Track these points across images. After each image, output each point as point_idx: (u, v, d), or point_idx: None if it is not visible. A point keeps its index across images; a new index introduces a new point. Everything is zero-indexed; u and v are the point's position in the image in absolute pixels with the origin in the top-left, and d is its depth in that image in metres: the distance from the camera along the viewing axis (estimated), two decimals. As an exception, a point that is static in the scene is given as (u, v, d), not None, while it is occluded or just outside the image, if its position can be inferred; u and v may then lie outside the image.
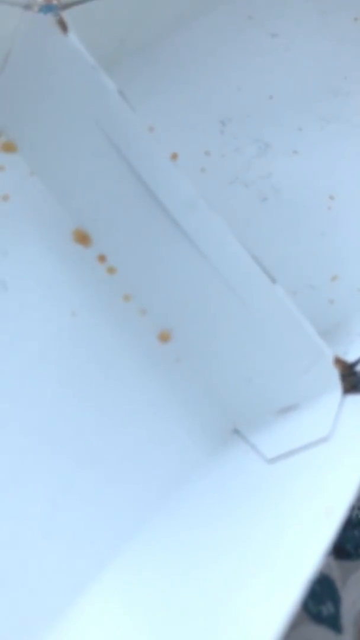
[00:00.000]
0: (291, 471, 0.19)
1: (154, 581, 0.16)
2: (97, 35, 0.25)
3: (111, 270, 0.24)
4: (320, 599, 0.22)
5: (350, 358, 0.23)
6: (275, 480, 0.19)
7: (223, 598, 0.14)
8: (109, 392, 0.22)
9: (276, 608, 0.13)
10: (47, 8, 0.23)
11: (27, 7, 0.23)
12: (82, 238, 0.24)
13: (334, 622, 0.22)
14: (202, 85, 0.29)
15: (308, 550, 0.14)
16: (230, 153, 0.28)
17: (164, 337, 0.23)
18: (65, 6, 0.24)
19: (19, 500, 0.18)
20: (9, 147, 0.25)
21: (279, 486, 0.18)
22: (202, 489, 0.20)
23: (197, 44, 0.29)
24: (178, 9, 0.29)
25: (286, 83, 0.30)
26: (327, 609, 0.22)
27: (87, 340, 0.22)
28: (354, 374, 0.24)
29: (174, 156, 0.27)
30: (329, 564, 0.23)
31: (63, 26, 0.23)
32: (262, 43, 0.30)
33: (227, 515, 0.18)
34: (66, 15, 0.23)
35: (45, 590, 0.17)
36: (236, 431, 0.23)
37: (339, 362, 0.22)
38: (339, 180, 0.29)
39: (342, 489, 0.16)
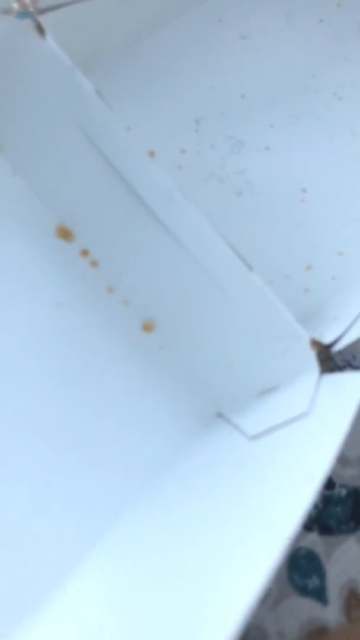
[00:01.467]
0: (272, 446, 0.19)
1: (140, 559, 0.17)
2: (73, 39, 0.26)
3: (94, 263, 0.24)
4: (306, 573, 0.23)
5: (326, 341, 0.24)
6: (257, 455, 0.19)
7: (207, 568, 0.15)
8: (94, 379, 0.22)
9: (260, 569, 0.13)
10: (24, 14, 0.24)
11: (6, 12, 0.24)
12: (65, 233, 0.24)
13: (319, 594, 0.23)
14: (176, 86, 0.30)
15: (290, 512, 0.15)
16: (205, 150, 0.29)
17: (147, 327, 0.24)
18: (42, 11, 0.25)
19: (8, 480, 0.19)
20: (-9, 148, 0.25)
21: (261, 460, 0.19)
22: (187, 470, 0.21)
23: (170, 47, 0.30)
24: (151, 14, 0.30)
25: (257, 82, 0.31)
26: (312, 582, 0.23)
27: (72, 330, 0.23)
28: (331, 354, 0.25)
29: (152, 154, 0.28)
30: (313, 539, 0.24)
31: (40, 30, 0.24)
32: (232, 45, 0.31)
33: (211, 492, 0.19)
34: (43, 20, 0.24)
35: (34, 568, 0.17)
36: (220, 414, 0.24)
37: (315, 343, 0.23)
38: (310, 173, 0.30)
39: (320, 457, 0.17)
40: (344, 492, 0.25)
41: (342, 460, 0.26)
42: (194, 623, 0.13)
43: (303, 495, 0.15)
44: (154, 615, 0.14)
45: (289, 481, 0.17)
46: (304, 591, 0.23)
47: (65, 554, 0.18)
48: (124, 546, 0.18)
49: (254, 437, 0.21)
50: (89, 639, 0.14)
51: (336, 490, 0.25)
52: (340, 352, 0.29)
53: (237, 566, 0.14)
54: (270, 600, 0.22)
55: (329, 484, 0.25)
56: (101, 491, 0.20)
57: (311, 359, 0.23)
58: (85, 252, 0.24)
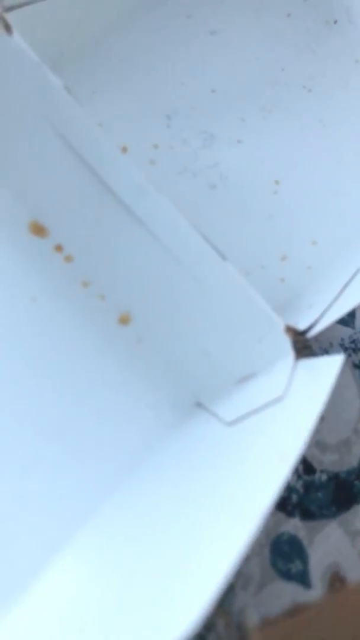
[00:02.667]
0: (249, 430, 0.20)
1: (120, 544, 0.17)
2: (41, 37, 0.26)
3: (68, 258, 0.24)
4: (289, 558, 0.23)
5: (301, 328, 0.24)
6: (234, 440, 0.20)
7: (184, 545, 0.15)
8: (72, 373, 0.22)
9: (235, 544, 0.14)
10: (-9, 12, 0.24)
11: (-28, 11, 0.24)
12: (38, 230, 0.24)
13: (302, 578, 0.23)
14: (146, 82, 0.30)
15: (264, 491, 0.15)
16: (178, 145, 0.29)
17: (124, 320, 0.24)
18: (9, 9, 0.25)
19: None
20: None
21: (238, 444, 0.19)
22: (166, 458, 0.21)
23: (139, 44, 0.30)
24: (119, 11, 0.30)
25: (227, 77, 0.31)
26: (295, 566, 0.23)
27: (48, 325, 0.23)
28: (307, 341, 0.25)
29: (124, 150, 0.28)
30: (295, 525, 0.24)
31: (7, 28, 0.24)
32: (201, 40, 0.31)
33: (188, 477, 0.19)
34: (10, 17, 0.24)
35: (14, 556, 0.17)
36: (199, 404, 0.24)
37: (290, 330, 0.23)
38: (283, 165, 0.30)
39: (294, 438, 0.17)
40: (324, 477, 0.25)
41: (322, 446, 0.26)
42: (171, 595, 0.13)
43: (277, 475, 0.16)
44: (132, 594, 0.14)
45: (264, 462, 0.17)
46: (287, 575, 0.23)
47: (44, 543, 0.18)
48: (104, 533, 0.18)
49: (231, 423, 0.21)
50: (69, 622, 0.14)
51: (317, 475, 0.25)
52: (317, 341, 0.29)
53: (213, 542, 0.14)
54: (253, 585, 0.22)
55: (310, 469, 0.25)
56: (81, 481, 0.20)
57: (286, 345, 0.23)
58: (59, 248, 0.24)
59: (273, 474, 0.16)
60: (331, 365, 0.21)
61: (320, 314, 0.24)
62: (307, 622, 0.16)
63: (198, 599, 0.12)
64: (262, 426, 0.19)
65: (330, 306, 0.24)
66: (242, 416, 0.21)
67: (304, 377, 0.21)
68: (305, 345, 0.29)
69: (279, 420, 0.19)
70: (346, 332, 0.30)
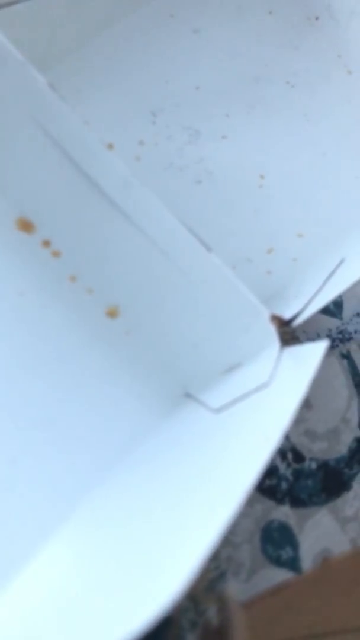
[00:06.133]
0: (235, 416, 0.20)
1: (108, 529, 0.17)
2: (27, 36, 0.27)
3: (56, 253, 0.25)
4: (279, 545, 0.23)
5: (286, 317, 0.24)
6: (220, 426, 0.20)
7: (169, 523, 0.15)
8: (61, 366, 0.23)
9: (217, 520, 0.14)
10: (-25, 14, 0.25)
11: None
12: (25, 226, 0.25)
13: (293, 564, 0.23)
14: (131, 80, 0.30)
15: (246, 471, 0.15)
16: (163, 141, 0.30)
17: (112, 313, 0.25)
18: (-8, 9, 0.25)
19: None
20: None
21: (224, 430, 0.20)
22: (155, 447, 0.21)
23: (123, 43, 0.31)
24: (104, 10, 0.30)
25: (211, 74, 0.31)
26: (286, 553, 0.23)
27: (36, 319, 0.23)
28: (292, 329, 0.25)
29: (110, 147, 0.28)
30: (285, 512, 0.24)
31: (-9, 28, 0.24)
32: (185, 39, 0.32)
33: (176, 463, 0.19)
34: (-6, 17, 0.24)
35: (6, 541, 0.18)
36: (187, 394, 0.24)
37: (275, 319, 0.24)
38: (267, 160, 0.31)
39: (276, 421, 0.17)
40: (314, 465, 0.26)
41: (312, 435, 0.26)
42: (155, 571, 0.13)
43: (259, 456, 0.16)
44: (119, 573, 0.14)
45: (247, 445, 0.17)
46: (277, 562, 0.23)
47: (33, 531, 0.18)
48: (93, 519, 0.18)
49: (218, 410, 0.21)
50: (58, 603, 0.15)
51: (306, 463, 0.25)
52: (305, 332, 0.30)
53: (195, 523, 0.14)
54: (244, 572, 0.22)
55: (299, 457, 0.25)
56: (69, 470, 0.20)
57: (272, 334, 0.23)
58: (46, 243, 0.25)
59: (255, 457, 0.16)
60: (315, 351, 0.21)
61: (305, 303, 0.24)
62: (292, 598, 0.16)
63: (180, 572, 0.12)
64: (247, 412, 0.20)
65: (314, 296, 0.25)
66: (228, 403, 0.21)
67: (289, 363, 0.22)
68: (292, 337, 0.29)
69: (264, 406, 0.19)
70: (334, 323, 0.30)
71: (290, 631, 0.19)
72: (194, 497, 0.16)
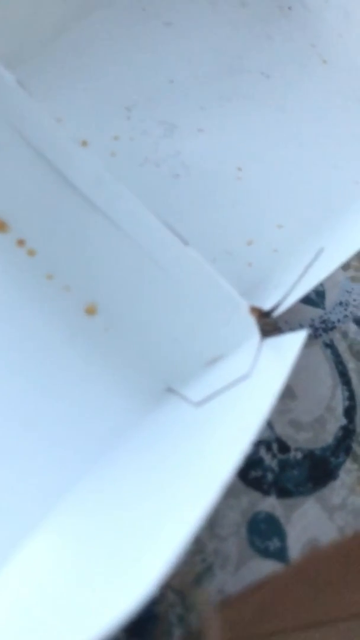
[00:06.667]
0: (215, 409, 0.20)
1: (88, 523, 0.17)
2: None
3: (31, 252, 0.24)
4: (267, 536, 0.23)
5: (266, 308, 0.24)
6: (200, 419, 0.20)
7: (148, 520, 0.15)
8: (40, 365, 0.22)
9: (195, 509, 0.14)
10: None
11: None
12: (0, 226, 0.25)
13: (281, 555, 0.23)
14: (104, 75, 0.30)
15: (224, 461, 0.15)
16: (138, 136, 0.29)
17: (91, 310, 0.24)
18: None
19: None
20: None
21: (204, 423, 0.19)
22: (137, 444, 0.21)
23: (95, 38, 0.31)
24: (74, 5, 0.30)
25: (185, 67, 0.31)
26: (273, 544, 0.23)
27: (13, 318, 0.23)
28: (273, 320, 0.25)
29: (84, 143, 0.28)
30: (271, 503, 0.24)
31: None
32: (158, 32, 0.32)
33: (157, 459, 0.19)
34: None
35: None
36: (170, 389, 0.24)
37: (255, 310, 0.24)
38: (245, 151, 0.30)
39: (255, 411, 0.17)
40: (299, 455, 0.25)
41: (297, 425, 0.26)
42: (137, 559, 0.13)
43: (237, 447, 0.16)
44: (98, 564, 0.14)
45: (226, 436, 0.17)
46: (265, 553, 0.23)
47: (12, 526, 0.18)
48: (74, 514, 0.18)
49: (199, 404, 0.21)
50: (41, 594, 0.15)
51: (292, 454, 0.25)
52: (287, 323, 0.30)
53: (171, 515, 0.14)
54: (231, 564, 0.22)
55: (285, 448, 0.25)
56: (50, 468, 0.20)
57: (252, 325, 0.23)
58: (21, 242, 0.25)
59: (234, 448, 0.16)
60: (294, 341, 0.21)
61: (284, 293, 0.24)
62: (280, 590, 0.16)
63: (159, 560, 0.12)
64: (227, 404, 0.20)
65: (294, 286, 0.25)
66: (209, 396, 0.21)
67: (269, 354, 0.22)
68: (274, 328, 0.29)
69: (244, 397, 0.19)
70: (316, 312, 0.30)
71: (279, 623, 0.19)
72: (172, 492, 0.16)
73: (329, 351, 0.29)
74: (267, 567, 0.22)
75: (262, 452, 0.25)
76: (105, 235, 0.24)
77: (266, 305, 0.24)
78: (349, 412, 0.27)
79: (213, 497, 0.14)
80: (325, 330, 0.30)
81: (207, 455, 0.16)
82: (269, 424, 0.26)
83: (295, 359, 0.20)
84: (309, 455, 0.26)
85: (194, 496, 0.14)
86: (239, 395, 0.20)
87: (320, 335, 0.29)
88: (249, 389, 0.20)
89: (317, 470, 0.25)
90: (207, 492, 0.14)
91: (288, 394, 0.27)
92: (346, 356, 0.29)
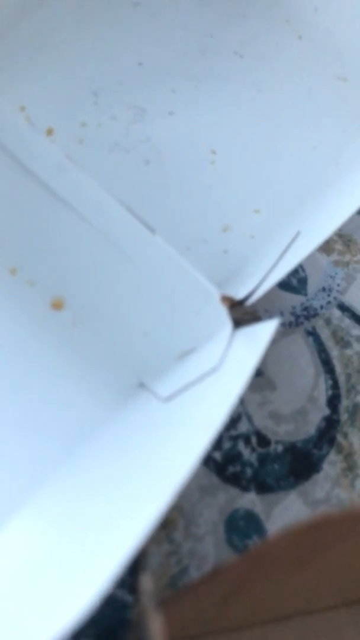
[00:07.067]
0: (183, 403, 0.19)
1: (53, 523, 0.17)
2: None
3: (-6, 246, 0.23)
4: (246, 534, 0.22)
5: (239, 296, 0.23)
6: (168, 414, 0.19)
7: (108, 518, 0.14)
8: (6, 361, 0.22)
9: (156, 503, 0.13)
10: None
11: None
12: None
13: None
14: (69, 60, 0.29)
15: (186, 455, 0.14)
16: (107, 122, 0.28)
17: (57, 305, 0.23)
18: None
19: None
20: None
21: (171, 418, 0.19)
22: (105, 440, 0.20)
23: (59, 21, 0.29)
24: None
25: (154, 49, 0.30)
26: (252, 542, 0.22)
27: (-26, 316, 0.22)
28: (248, 309, 0.24)
29: (50, 131, 0.27)
30: (251, 499, 0.23)
31: None
32: (124, 13, 0.30)
33: (124, 456, 0.18)
34: None
35: None
36: (141, 384, 0.23)
37: (226, 299, 0.23)
38: (218, 134, 0.29)
39: (220, 404, 0.16)
40: (280, 448, 0.25)
41: (277, 417, 0.25)
42: (100, 548, 0.13)
43: (199, 442, 0.15)
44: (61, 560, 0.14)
45: (190, 431, 0.16)
46: (244, 552, 0.22)
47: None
48: (39, 512, 0.17)
49: (168, 399, 0.20)
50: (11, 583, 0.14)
51: (272, 447, 0.24)
52: (267, 311, 0.29)
53: (132, 507, 0.14)
54: (208, 565, 0.21)
55: (264, 441, 0.24)
56: (17, 465, 0.19)
57: (223, 315, 0.22)
58: (-17, 236, 0.24)
59: (197, 442, 0.15)
60: (266, 330, 0.20)
61: (259, 281, 0.23)
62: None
63: (116, 555, 0.12)
64: (195, 398, 0.19)
65: (269, 272, 0.23)
66: (177, 391, 0.20)
67: (241, 344, 0.21)
68: (254, 317, 0.28)
69: (212, 390, 0.18)
70: (298, 299, 0.29)
71: (245, 615, 0.18)
72: (133, 489, 0.15)
73: (311, 339, 0.28)
74: (246, 566, 0.22)
75: (241, 447, 0.24)
76: (69, 227, 0.23)
77: (241, 293, 0.23)
78: (332, 402, 0.26)
79: (169, 495, 0.13)
80: (308, 317, 0.28)
81: (170, 451, 0.16)
82: (248, 417, 0.25)
83: (265, 348, 0.19)
84: (290, 448, 0.25)
85: (151, 494, 0.13)
86: (206, 388, 0.19)
87: (302, 322, 0.28)
88: (216, 382, 0.19)
89: (299, 464, 0.24)
90: (164, 490, 0.13)
91: (268, 385, 0.26)
92: (330, 344, 0.28)
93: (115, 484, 0.16)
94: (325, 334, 0.28)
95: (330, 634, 0.20)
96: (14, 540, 0.18)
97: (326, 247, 0.31)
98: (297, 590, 0.18)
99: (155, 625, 0.14)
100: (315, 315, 0.29)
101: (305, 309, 0.29)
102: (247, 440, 0.24)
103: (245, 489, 0.23)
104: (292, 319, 0.28)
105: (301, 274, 0.30)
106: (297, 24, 0.31)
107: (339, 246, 0.31)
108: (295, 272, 0.30)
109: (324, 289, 0.30)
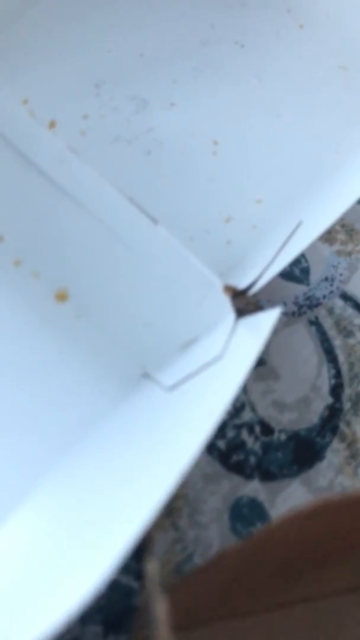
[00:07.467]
0: (186, 393, 0.19)
1: (58, 515, 0.17)
2: None
3: (-2, 238, 0.24)
4: (250, 521, 0.23)
5: (242, 286, 0.23)
6: (171, 404, 0.19)
7: (112, 507, 0.15)
8: (9, 354, 0.22)
9: (158, 492, 0.13)
10: None
11: None
12: (-36, 212, 0.24)
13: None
14: (71, 52, 0.29)
15: (188, 444, 0.14)
16: (109, 113, 0.28)
17: (61, 297, 0.24)
18: None
19: None
20: None
21: (174, 407, 0.19)
22: (110, 430, 0.20)
23: (60, 14, 0.29)
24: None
25: (155, 40, 0.30)
26: (257, 529, 0.23)
27: (-21, 307, 0.22)
28: (250, 298, 0.24)
29: (52, 124, 0.27)
30: (254, 487, 0.23)
31: None
32: (126, 4, 0.30)
33: (127, 447, 0.18)
34: None
35: None
36: (146, 375, 0.23)
37: (229, 289, 0.23)
38: (220, 125, 0.29)
39: (222, 392, 0.16)
40: (283, 436, 0.25)
41: (280, 405, 0.25)
42: (103, 537, 0.13)
43: (202, 429, 0.15)
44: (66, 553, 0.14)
45: (194, 418, 0.16)
46: (248, 539, 0.22)
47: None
48: (43, 504, 0.18)
49: (171, 388, 0.20)
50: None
51: (275, 435, 0.25)
52: (270, 301, 0.29)
53: (142, 490, 0.14)
54: (213, 552, 0.22)
55: (268, 430, 0.25)
56: (21, 457, 0.19)
57: (226, 304, 0.22)
58: (-13, 228, 0.24)
59: (200, 429, 0.15)
60: (268, 319, 0.20)
61: (261, 270, 0.23)
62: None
63: (119, 542, 0.12)
64: (198, 387, 0.19)
65: (271, 262, 0.24)
66: (180, 380, 0.20)
67: (243, 334, 0.21)
68: (256, 307, 0.28)
69: (214, 379, 0.19)
70: (300, 289, 0.29)
71: (251, 600, 0.18)
72: (136, 479, 0.15)
73: (313, 329, 0.28)
74: (250, 553, 0.22)
75: (245, 435, 0.24)
76: (73, 218, 0.23)
77: (244, 283, 0.23)
78: (335, 391, 0.27)
79: (172, 483, 0.13)
80: (310, 307, 0.29)
81: (173, 440, 0.16)
82: (251, 406, 0.25)
83: (267, 337, 0.19)
84: (294, 436, 0.25)
85: (155, 480, 0.14)
86: (209, 377, 0.19)
87: (305, 312, 0.28)
88: (219, 371, 0.19)
89: (303, 452, 0.25)
90: (166, 478, 0.13)
91: (271, 374, 0.26)
92: (332, 333, 0.28)
93: (120, 472, 0.17)
94: (327, 324, 0.29)
95: (335, 619, 0.20)
96: (19, 529, 0.18)
97: (329, 237, 0.31)
98: (301, 576, 0.18)
99: (161, 610, 0.14)
100: (318, 304, 0.29)
101: (308, 298, 0.29)
102: (250, 429, 0.24)
103: (249, 477, 0.23)
104: (295, 308, 0.28)
105: (303, 263, 0.30)
106: (299, 12, 0.31)
107: (341, 236, 0.32)
108: (297, 262, 0.30)
109: (326, 279, 0.30)
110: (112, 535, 0.13)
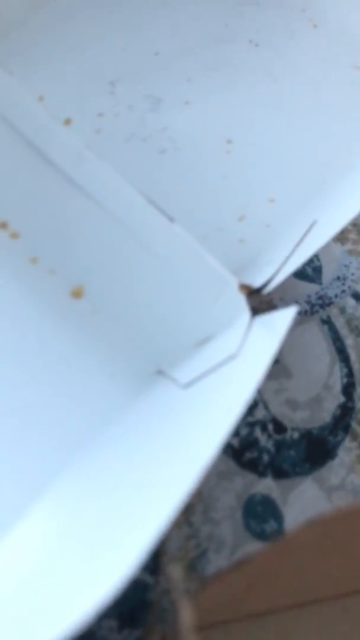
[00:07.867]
0: (202, 390, 0.19)
1: (74, 513, 0.17)
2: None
3: (14, 235, 0.24)
4: (263, 518, 0.23)
5: (257, 284, 0.23)
6: (188, 401, 0.19)
7: (132, 503, 0.15)
8: (26, 350, 0.22)
9: (178, 491, 0.13)
10: None
11: None
12: (-19, 209, 0.24)
13: (278, 537, 0.23)
14: (86, 50, 0.29)
15: (207, 442, 0.15)
16: (124, 112, 0.28)
17: (77, 293, 0.24)
18: None
19: None
20: None
21: (191, 404, 0.19)
22: (125, 428, 0.21)
23: (76, 12, 0.29)
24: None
25: (170, 38, 0.30)
26: (270, 526, 0.23)
27: (-4, 304, 0.22)
28: (265, 297, 0.24)
29: (67, 122, 0.27)
30: (267, 485, 0.24)
31: None
32: (141, 3, 0.30)
33: (144, 443, 0.18)
34: None
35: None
36: (160, 372, 0.23)
37: (244, 287, 0.23)
38: (233, 124, 0.29)
39: (240, 391, 0.17)
40: (296, 435, 0.25)
41: (293, 404, 0.26)
42: (123, 536, 0.13)
43: (221, 427, 0.15)
44: (83, 552, 0.14)
45: (212, 417, 0.16)
46: (261, 536, 0.22)
47: (6, 510, 0.18)
48: (60, 501, 0.18)
49: (187, 385, 0.20)
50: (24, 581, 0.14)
51: (288, 434, 0.25)
52: (282, 300, 0.29)
53: (154, 495, 0.14)
54: (227, 549, 0.22)
55: (281, 428, 0.25)
56: (37, 454, 0.20)
57: (241, 303, 0.22)
58: (4, 225, 0.24)
59: (217, 429, 0.15)
60: (284, 317, 0.20)
61: (276, 269, 0.24)
62: (267, 567, 0.16)
63: (139, 541, 0.12)
64: (214, 385, 0.19)
65: (285, 261, 0.24)
66: (196, 377, 0.20)
67: (259, 332, 0.21)
68: (270, 305, 0.28)
69: (231, 377, 0.19)
70: (312, 288, 0.29)
71: (267, 602, 0.19)
72: (155, 476, 0.15)
73: (326, 327, 0.28)
74: (263, 550, 0.22)
75: (258, 433, 0.24)
76: (89, 216, 0.24)
77: (258, 282, 0.24)
78: (347, 390, 0.27)
79: (191, 481, 0.13)
80: (322, 306, 0.29)
81: (191, 437, 0.16)
82: (264, 404, 0.25)
83: (283, 336, 0.19)
84: (306, 434, 0.25)
85: (174, 479, 0.14)
86: (225, 375, 0.19)
87: (317, 311, 0.29)
88: (236, 368, 0.19)
89: (315, 450, 0.25)
90: (186, 476, 0.13)
91: (284, 372, 0.26)
92: (344, 332, 0.28)
93: (138, 471, 0.17)
94: (339, 323, 0.29)
95: (353, 620, 0.20)
96: (37, 527, 0.18)
97: (340, 237, 0.31)
98: (319, 578, 0.19)
99: (187, 616, 0.14)
100: (330, 303, 0.29)
101: (320, 297, 0.29)
102: (263, 427, 0.25)
103: (262, 474, 0.24)
104: (307, 307, 0.28)
105: (316, 263, 0.30)
106: (313, 12, 0.31)
107: (353, 235, 0.32)
108: (310, 261, 0.30)
109: (338, 278, 0.30)
110: (132, 534, 0.14)
